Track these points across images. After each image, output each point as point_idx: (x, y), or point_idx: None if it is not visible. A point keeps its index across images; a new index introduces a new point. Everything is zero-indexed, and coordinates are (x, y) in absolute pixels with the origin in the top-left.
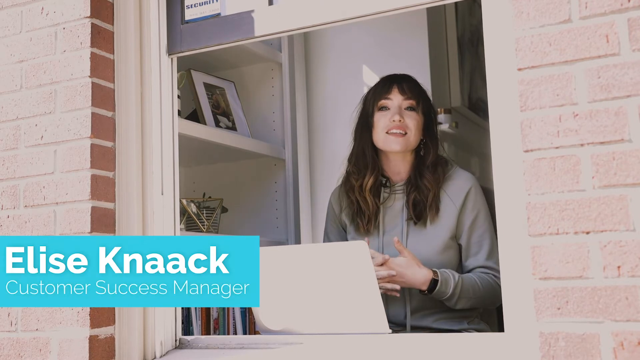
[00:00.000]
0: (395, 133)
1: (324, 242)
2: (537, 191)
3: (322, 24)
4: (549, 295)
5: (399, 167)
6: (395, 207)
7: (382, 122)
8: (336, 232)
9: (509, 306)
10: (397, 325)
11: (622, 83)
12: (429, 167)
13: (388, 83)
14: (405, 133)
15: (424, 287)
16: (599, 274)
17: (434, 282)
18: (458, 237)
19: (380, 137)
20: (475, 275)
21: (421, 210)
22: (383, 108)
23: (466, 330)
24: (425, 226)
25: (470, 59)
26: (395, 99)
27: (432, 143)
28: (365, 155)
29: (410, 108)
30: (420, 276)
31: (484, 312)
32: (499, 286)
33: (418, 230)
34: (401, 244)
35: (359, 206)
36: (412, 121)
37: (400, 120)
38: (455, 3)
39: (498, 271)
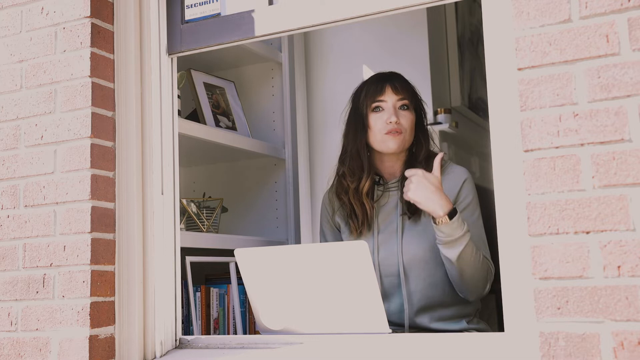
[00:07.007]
0: (392, 133)
1: (320, 242)
2: (537, 191)
3: (322, 23)
4: (549, 295)
5: (393, 166)
6: (389, 205)
7: (378, 123)
8: (331, 233)
9: (509, 306)
10: (394, 325)
11: (622, 83)
12: (421, 162)
13: (380, 83)
14: (401, 132)
15: (441, 212)
16: (599, 274)
17: (450, 216)
18: None
19: (377, 138)
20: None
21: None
22: (377, 109)
23: (466, 330)
24: (420, 220)
25: (470, 58)
26: (390, 100)
27: (423, 139)
28: (360, 156)
29: (404, 107)
30: (443, 200)
31: (484, 312)
32: (488, 272)
33: (413, 225)
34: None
35: (352, 208)
36: (407, 120)
37: (397, 122)
38: (455, 3)
39: (489, 260)
